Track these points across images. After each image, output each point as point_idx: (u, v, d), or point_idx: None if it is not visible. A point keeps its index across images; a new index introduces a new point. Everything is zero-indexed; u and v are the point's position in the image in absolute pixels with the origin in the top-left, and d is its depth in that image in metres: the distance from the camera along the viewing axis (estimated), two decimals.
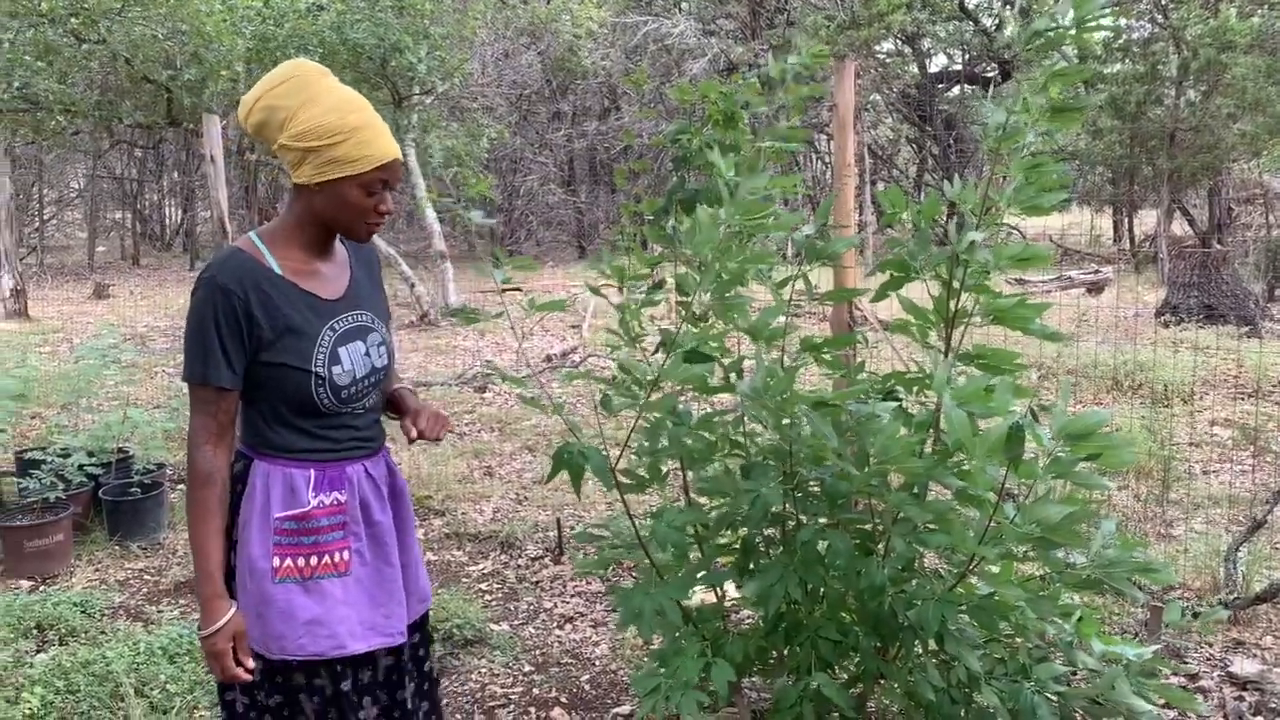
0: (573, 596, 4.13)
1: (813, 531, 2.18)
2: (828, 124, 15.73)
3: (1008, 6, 19.95)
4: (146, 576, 4.46)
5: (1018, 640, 2.19)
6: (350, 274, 1.99)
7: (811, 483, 2.26)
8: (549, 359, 9.28)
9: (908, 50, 22.26)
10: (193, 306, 1.82)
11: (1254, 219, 16.39)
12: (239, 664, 1.84)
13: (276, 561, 1.86)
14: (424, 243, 14.83)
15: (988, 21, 20.80)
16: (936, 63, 23.86)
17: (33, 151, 20.14)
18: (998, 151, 2.13)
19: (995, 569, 2.10)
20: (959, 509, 2.05)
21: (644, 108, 19.90)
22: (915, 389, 2.27)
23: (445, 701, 3.29)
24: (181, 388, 1.88)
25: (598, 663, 3.56)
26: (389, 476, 2.04)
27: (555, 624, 3.88)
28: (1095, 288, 13.36)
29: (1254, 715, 3.06)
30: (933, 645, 2.17)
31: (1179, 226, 17.72)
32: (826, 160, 22.14)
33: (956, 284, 2.16)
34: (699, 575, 2.31)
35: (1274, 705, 3.09)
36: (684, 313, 2.23)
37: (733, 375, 2.33)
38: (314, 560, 1.88)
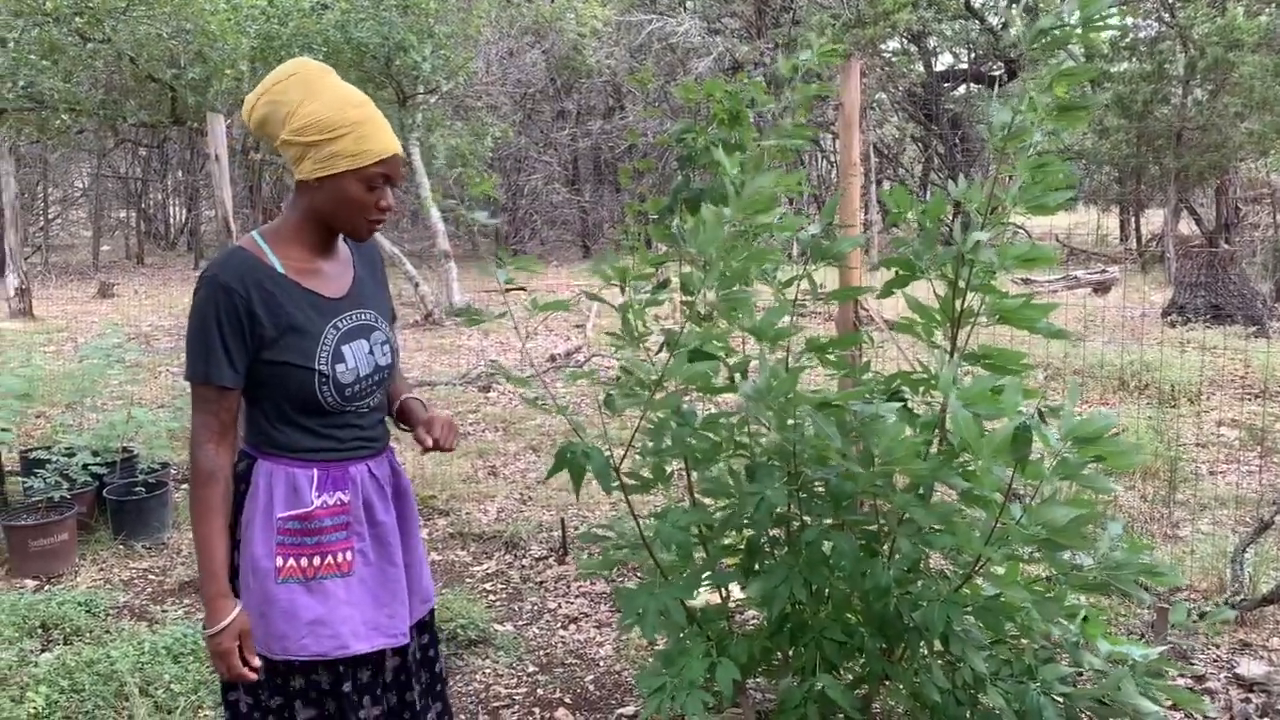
0: (577, 597, 4.12)
1: (817, 532, 2.17)
2: (833, 123, 15.71)
3: (1014, 5, 19.90)
4: (151, 576, 4.46)
5: (1023, 641, 2.18)
6: (353, 273, 1.99)
7: (816, 483, 2.25)
8: (553, 358, 9.28)
9: (913, 49, 22.22)
10: (194, 305, 1.82)
11: (1261, 218, 16.34)
12: (245, 663, 1.84)
13: (279, 561, 1.85)
14: (428, 242, 14.84)
15: (994, 20, 20.77)
16: (942, 61, 23.84)
17: (38, 150, 20.20)
18: (1003, 150, 2.12)
19: (1001, 570, 2.09)
20: (965, 510, 2.04)
21: (649, 107, 19.89)
22: (921, 389, 2.26)
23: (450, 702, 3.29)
24: (185, 387, 1.88)
25: (602, 663, 3.55)
26: (393, 476, 2.03)
27: (559, 624, 3.88)
28: (1102, 287, 13.33)
29: (1260, 717, 3.05)
30: (938, 646, 2.16)
31: (1186, 226, 17.68)
32: (832, 159, 22.11)
33: (962, 283, 2.15)
34: (703, 576, 2.31)
35: None
36: (689, 312, 2.22)
37: (737, 375, 2.32)
38: (317, 560, 1.88)
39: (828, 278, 2.54)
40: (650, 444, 2.29)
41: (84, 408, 6.69)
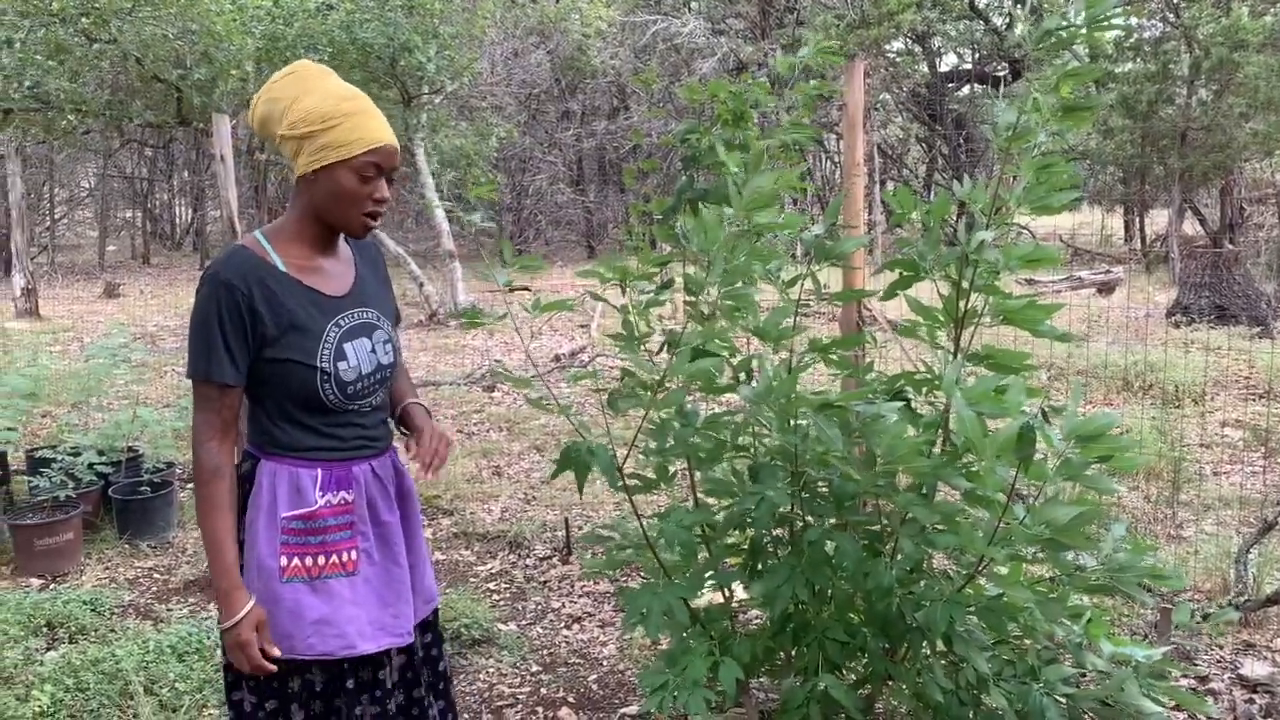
0: (580, 596, 4.13)
1: (820, 532, 2.18)
2: (837, 123, 15.70)
3: (1019, 5, 19.88)
4: (156, 575, 4.47)
5: (1026, 642, 2.18)
6: (355, 272, 1.99)
7: (819, 484, 2.25)
8: (557, 358, 9.28)
9: (918, 49, 22.20)
10: (197, 304, 1.83)
11: (1266, 219, 16.30)
12: (264, 654, 1.84)
13: (284, 561, 1.86)
14: (433, 242, 14.85)
15: (998, 20, 20.74)
16: (947, 62, 23.82)
17: (44, 151, 20.24)
18: (1008, 151, 2.12)
19: (1004, 570, 2.10)
20: (968, 510, 2.04)
21: (653, 107, 19.89)
22: (924, 389, 2.26)
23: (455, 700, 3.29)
24: (190, 386, 1.89)
25: (605, 663, 3.55)
26: (396, 477, 2.04)
27: (563, 624, 3.88)
28: (1106, 288, 13.31)
29: (1264, 717, 3.04)
30: (941, 646, 2.16)
31: (1190, 226, 17.64)
32: (836, 160, 22.09)
33: (966, 284, 2.15)
34: (707, 575, 2.31)
35: None
36: (691, 312, 2.23)
37: (741, 375, 2.33)
38: (321, 560, 1.88)
39: (831, 278, 2.54)
40: (653, 444, 2.30)
41: (89, 407, 6.70)
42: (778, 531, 2.35)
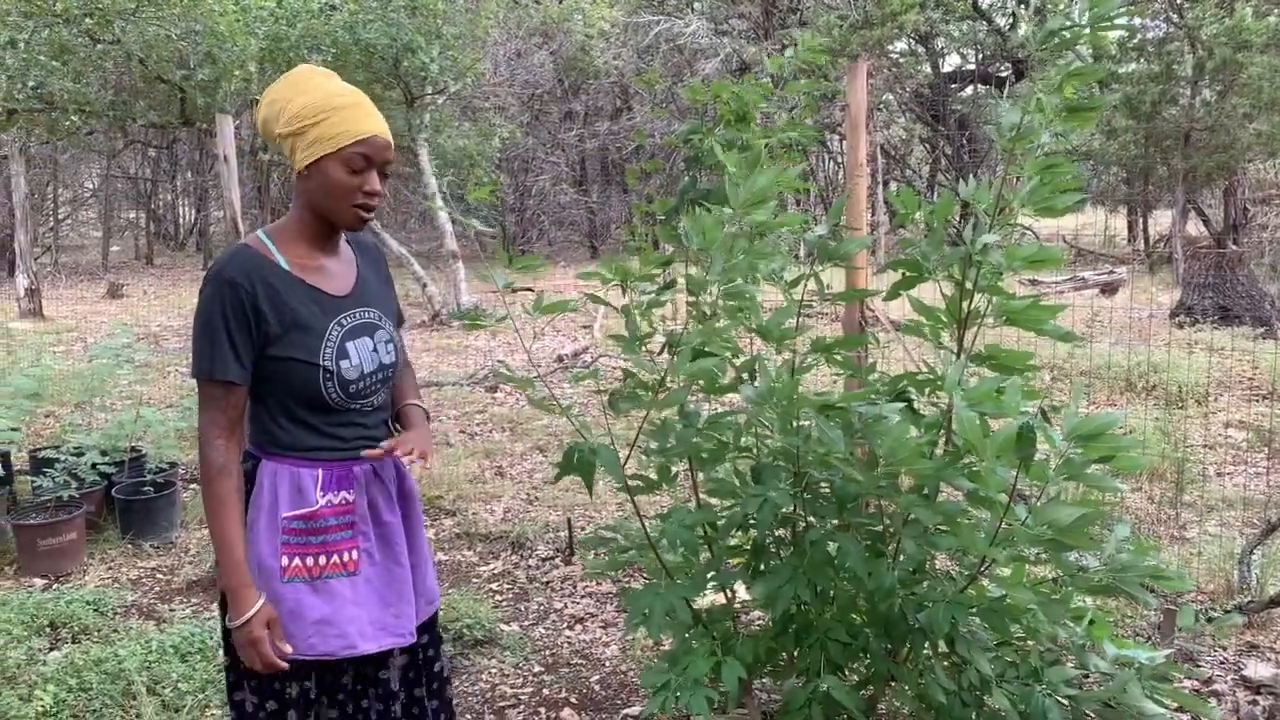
0: (583, 597, 4.13)
1: (822, 533, 2.17)
2: (840, 124, 15.69)
3: (1022, 6, 19.87)
4: (159, 575, 4.48)
5: (1029, 643, 2.18)
6: (357, 272, 2.00)
7: (821, 484, 2.25)
8: (560, 359, 9.29)
9: (921, 50, 22.19)
10: (201, 302, 1.84)
11: (1270, 219, 16.28)
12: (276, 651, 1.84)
13: (285, 561, 1.86)
14: (436, 242, 14.87)
15: (1001, 21, 20.72)
16: (950, 62, 23.81)
17: (47, 151, 20.27)
18: (1012, 151, 2.12)
19: (1007, 571, 2.09)
20: (970, 510, 2.04)
21: (656, 108, 19.89)
22: (927, 390, 2.26)
23: (456, 701, 3.29)
24: (193, 386, 1.90)
25: (608, 663, 3.55)
26: (398, 477, 2.04)
27: (565, 625, 3.88)
28: (1109, 288, 13.30)
29: (1268, 719, 3.04)
30: (943, 647, 2.16)
31: (1194, 227, 17.62)
32: (839, 160, 22.09)
33: (969, 285, 2.15)
34: (709, 576, 2.31)
35: None
36: (693, 312, 2.23)
37: (744, 376, 2.32)
38: (322, 560, 1.89)
39: (834, 279, 2.54)
40: (655, 444, 2.29)
41: (93, 407, 6.71)
42: (780, 532, 2.35)
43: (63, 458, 4.86)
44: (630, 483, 2.27)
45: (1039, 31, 2.08)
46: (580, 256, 21.94)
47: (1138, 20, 15.25)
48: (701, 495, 2.39)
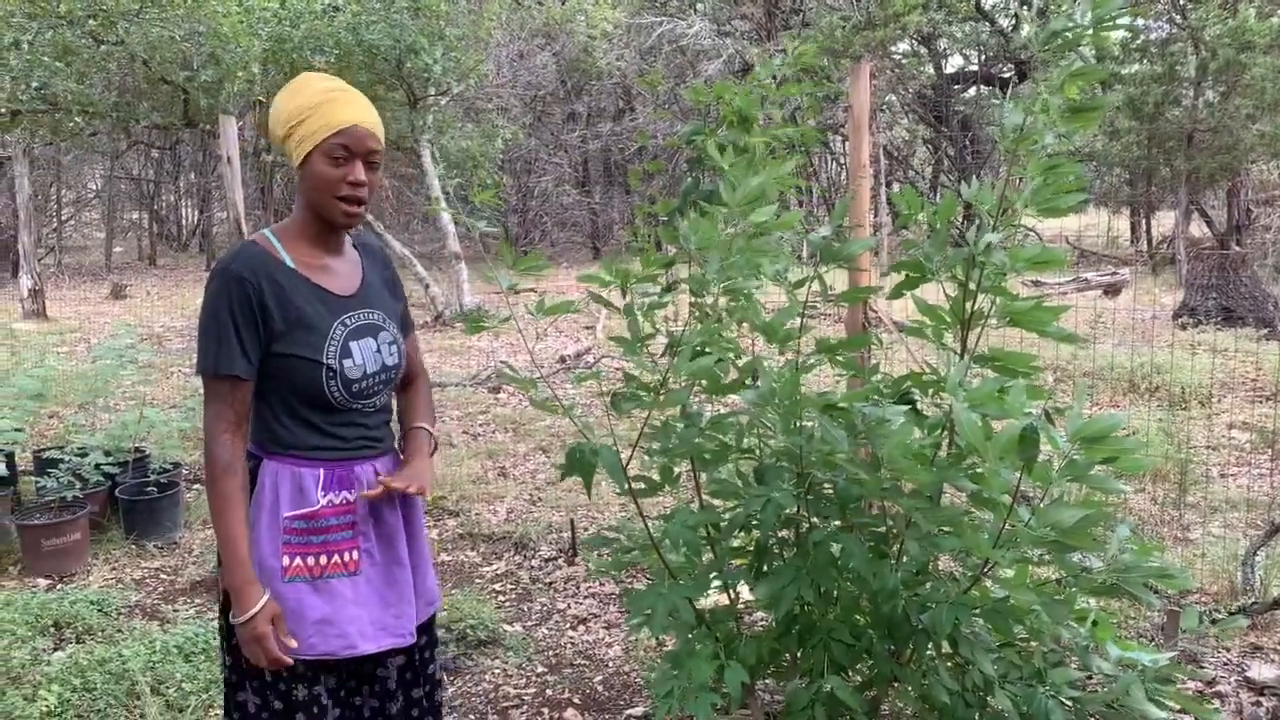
0: (586, 598, 4.13)
1: (825, 534, 2.17)
2: (843, 125, 15.68)
3: (1025, 7, 19.86)
4: (163, 575, 4.48)
5: (1032, 644, 2.18)
6: (362, 274, 2.01)
7: (825, 485, 2.25)
8: (563, 360, 9.29)
9: (924, 51, 22.19)
10: (207, 298, 1.85)
11: (1273, 220, 16.24)
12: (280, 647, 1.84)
13: (286, 560, 1.86)
14: (439, 244, 14.88)
15: (1004, 22, 20.72)
16: (952, 63, 23.78)
17: (51, 152, 20.30)
18: (1015, 152, 2.12)
19: (1010, 572, 2.09)
20: (974, 512, 2.04)
21: (659, 109, 19.90)
22: (931, 391, 2.26)
23: (459, 702, 3.30)
24: (197, 386, 1.90)
25: (611, 664, 3.55)
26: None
27: (568, 625, 3.88)
28: (1112, 289, 13.29)
29: None
30: (947, 648, 2.16)
31: (1197, 228, 17.60)
32: (842, 161, 22.10)
33: (972, 286, 2.15)
34: (712, 576, 2.31)
35: None
36: (696, 312, 2.23)
37: (746, 377, 2.32)
38: (323, 560, 1.89)
39: (838, 280, 2.54)
40: (657, 445, 2.30)
41: (97, 408, 6.72)
42: (783, 533, 2.35)
43: (67, 458, 4.87)
44: (633, 484, 2.27)
45: (1041, 32, 2.08)
46: (583, 257, 21.95)
47: (1141, 21, 15.24)
48: (704, 496, 2.39)
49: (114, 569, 4.56)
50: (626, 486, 2.23)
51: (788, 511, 2.18)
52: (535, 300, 2.19)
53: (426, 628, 2.13)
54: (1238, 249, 12.07)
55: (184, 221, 28.32)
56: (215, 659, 3.40)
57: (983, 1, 19.86)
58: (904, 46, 21.48)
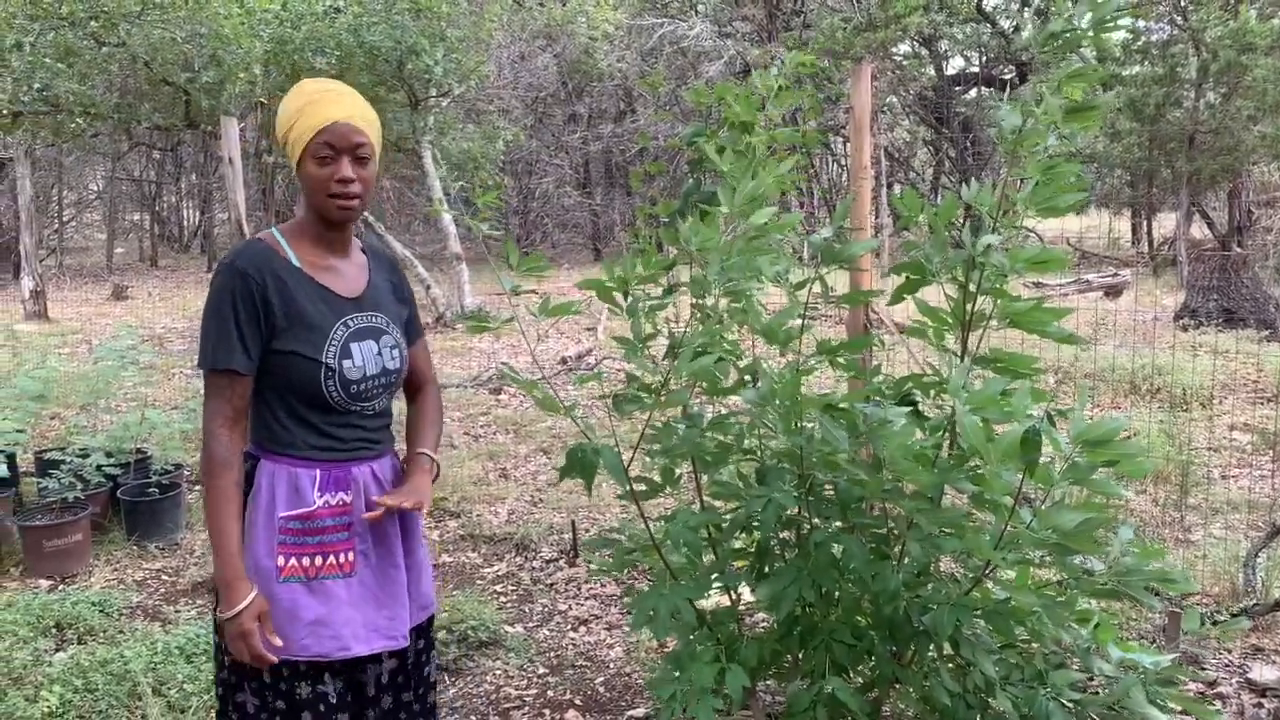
0: (587, 599, 4.13)
1: (827, 535, 2.18)
2: (844, 126, 15.69)
3: (1025, 9, 19.87)
4: (164, 576, 4.49)
5: (1034, 646, 2.18)
6: (369, 277, 2.01)
7: (825, 486, 2.25)
8: (564, 361, 9.29)
9: (925, 52, 22.20)
10: (210, 293, 1.86)
11: (1274, 222, 16.25)
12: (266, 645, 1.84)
13: (281, 561, 1.87)
14: (440, 245, 14.88)
15: (1005, 24, 20.72)
16: (953, 65, 23.79)
17: (52, 154, 20.33)
18: (1014, 153, 2.12)
19: (1011, 574, 2.09)
20: (975, 513, 2.04)
21: (660, 110, 19.91)
22: (932, 392, 2.26)
23: (460, 703, 3.30)
24: (198, 388, 1.91)
25: (612, 665, 3.56)
26: (397, 481, 2.04)
27: (570, 626, 3.88)
28: (1113, 291, 13.28)
29: None
30: (948, 650, 2.16)
31: (1198, 229, 17.60)
32: (843, 163, 22.09)
33: (973, 287, 2.15)
34: (713, 577, 2.31)
35: None
36: (697, 314, 2.23)
37: (746, 378, 2.32)
38: (319, 560, 1.89)
39: (839, 281, 2.54)
40: (659, 446, 2.30)
41: (98, 409, 6.73)
42: (784, 534, 2.35)
43: (68, 459, 4.87)
44: (634, 484, 2.27)
45: (1041, 34, 2.08)
46: (584, 259, 21.95)
47: (1142, 22, 15.23)
48: (705, 497, 2.39)
49: (115, 570, 4.56)
50: (628, 487, 2.23)
51: (789, 512, 2.19)
52: (537, 302, 2.19)
53: (424, 631, 2.13)
54: (1239, 250, 12.07)
55: (185, 223, 28.34)
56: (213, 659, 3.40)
57: (984, 3, 19.86)
58: (905, 48, 21.49)
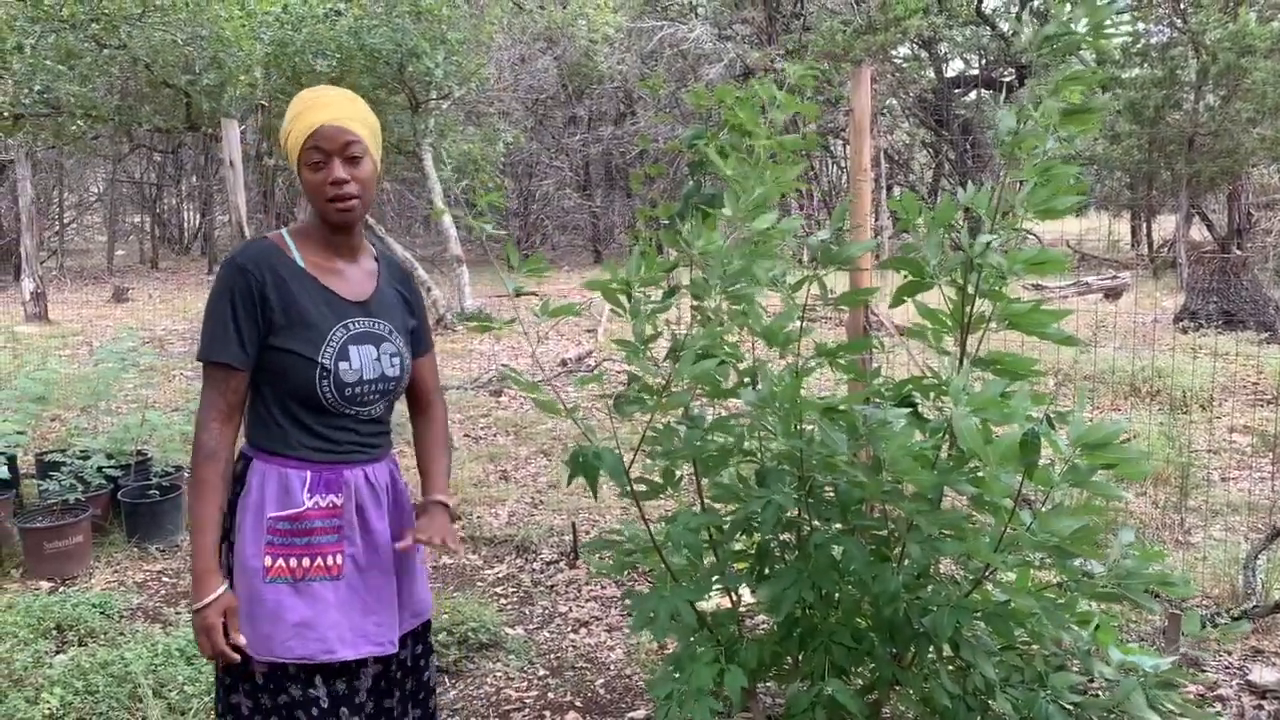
0: (588, 601, 4.13)
1: (827, 537, 2.18)
2: (844, 128, 15.70)
3: (1025, 10, 19.87)
4: (164, 578, 4.49)
5: (1034, 648, 2.18)
6: (377, 284, 2.02)
7: (825, 488, 2.25)
8: (564, 363, 9.30)
9: (924, 55, 22.21)
10: (213, 288, 1.89)
11: (1274, 224, 16.26)
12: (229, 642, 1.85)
13: (268, 561, 1.87)
14: (440, 247, 14.89)
15: (1004, 26, 20.73)
16: (953, 67, 23.82)
17: (53, 156, 20.34)
18: (1012, 156, 2.12)
19: (1011, 576, 2.09)
20: (975, 515, 2.04)
21: (660, 112, 19.92)
22: (932, 395, 2.26)
23: (460, 705, 3.30)
24: (199, 390, 1.92)
25: (612, 667, 3.56)
26: (392, 486, 2.04)
27: (570, 628, 3.89)
28: (1113, 293, 13.28)
29: None
30: (948, 652, 2.16)
31: (1198, 232, 17.60)
32: (843, 165, 22.12)
33: (971, 289, 2.15)
34: (713, 579, 2.31)
35: None
36: (698, 316, 2.23)
37: (746, 380, 2.33)
38: (306, 561, 1.89)
39: (838, 283, 2.54)
40: (659, 448, 2.30)
41: (99, 411, 6.73)
42: (784, 536, 2.36)
43: (69, 461, 4.88)
44: (635, 486, 2.27)
45: (1037, 37, 2.08)
46: (584, 261, 21.96)
47: (1141, 25, 15.24)
48: (706, 499, 2.39)
49: (116, 572, 4.56)
50: (629, 489, 2.24)
51: (789, 514, 2.19)
52: (538, 304, 2.20)
53: (421, 636, 2.13)
54: (1238, 253, 12.07)
55: (186, 225, 28.35)
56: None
57: (983, 5, 19.87)
58: (905, 51, 21.50)
